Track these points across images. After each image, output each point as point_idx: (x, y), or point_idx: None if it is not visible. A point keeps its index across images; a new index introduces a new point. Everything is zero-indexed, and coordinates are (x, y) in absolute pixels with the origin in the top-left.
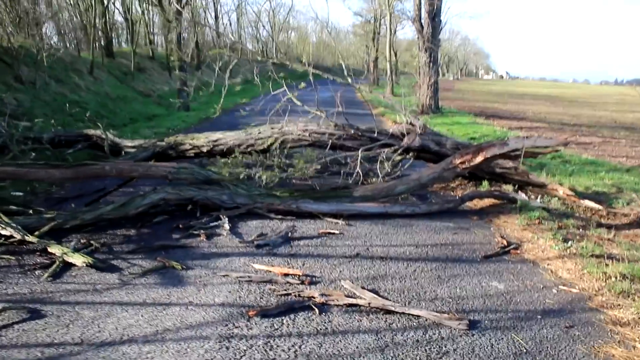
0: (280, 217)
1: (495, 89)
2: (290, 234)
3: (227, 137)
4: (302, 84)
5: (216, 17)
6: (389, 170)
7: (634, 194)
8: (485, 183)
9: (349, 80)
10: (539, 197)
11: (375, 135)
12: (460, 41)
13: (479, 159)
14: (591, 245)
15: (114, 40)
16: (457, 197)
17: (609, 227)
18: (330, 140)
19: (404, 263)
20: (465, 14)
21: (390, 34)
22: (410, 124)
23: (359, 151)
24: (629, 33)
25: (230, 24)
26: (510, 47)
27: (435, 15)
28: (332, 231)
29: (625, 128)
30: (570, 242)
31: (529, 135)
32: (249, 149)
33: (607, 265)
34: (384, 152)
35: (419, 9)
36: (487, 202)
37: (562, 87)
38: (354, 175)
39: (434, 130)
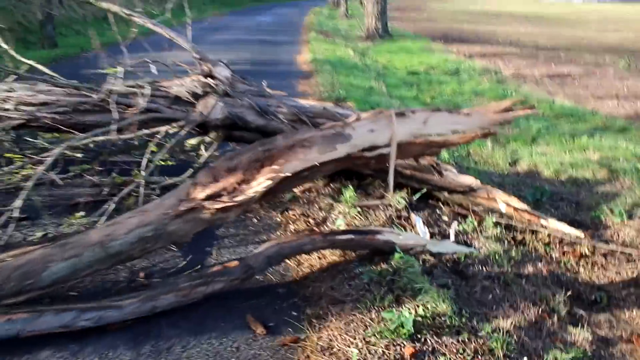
0: None
1: (473, 8)
2: None
3: None
4: None
5: None
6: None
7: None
8: (348, 194)
9: None
10: (455, 222)
11: (141, 100)
12: None
13: (262, 183)
14: None
15: None
16: (246, 260)
17: (594, 302)
18: (56, 115)
19: None
20: None
21: None
22: (209, 75)
23: (71, 142)
24: None
25: None
26: None
27: None
28: None
29: (611, 51)
30: None
31: (403, 112)
32: None
33: None
34: (161, 132)
35: None
36: (330, 256)
37: (543, 5)
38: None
39: (262, 88)
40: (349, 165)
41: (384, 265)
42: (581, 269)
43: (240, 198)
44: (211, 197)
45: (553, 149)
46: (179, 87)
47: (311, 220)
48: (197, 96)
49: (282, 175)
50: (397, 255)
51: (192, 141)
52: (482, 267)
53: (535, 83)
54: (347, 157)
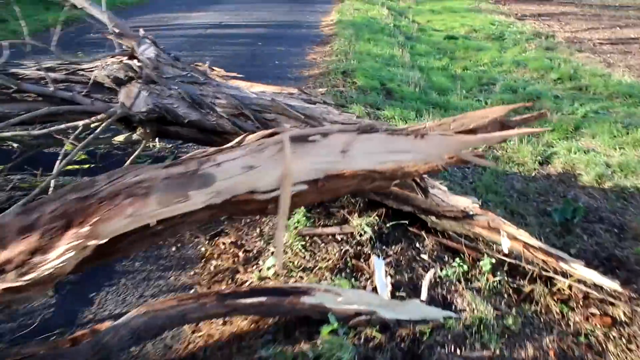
0: None
1: None
2: None
3: None
4: None
5: None
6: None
7: None
8: (297, 217)
9: None
10: (432, 268)
11: (51, 88)
12: None
13: (62, 255)
14: None
15: None
16: None
17: None
18: None
19: None
20: None
21: None
22: (131, 55)
23: None
24: None
25: None
26: None
27: None
28: None
29: None
30: None
31: (304, 135)
32: None
33: None
34: (79, 127)
35: None
36: (239, 320)
37: None
38: None
39: (197, 72)
40: (229, 213)
41: (304, 345)
42: (610, 348)
43: (31, 276)
44: None
45: (599, 143)
46: (100, 70)
47: (241, 255)
48: (120, 82)
49: (94, 243)
50: (325, 329)
51: (119, 138)
52: (453, 348)
53: (593, 51)
54: (214, 207)
